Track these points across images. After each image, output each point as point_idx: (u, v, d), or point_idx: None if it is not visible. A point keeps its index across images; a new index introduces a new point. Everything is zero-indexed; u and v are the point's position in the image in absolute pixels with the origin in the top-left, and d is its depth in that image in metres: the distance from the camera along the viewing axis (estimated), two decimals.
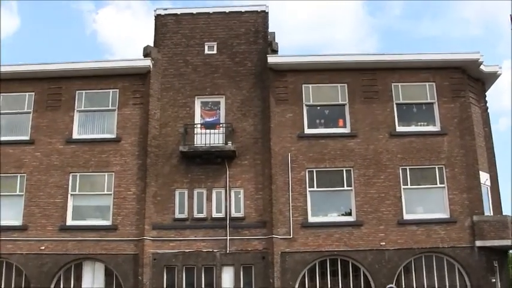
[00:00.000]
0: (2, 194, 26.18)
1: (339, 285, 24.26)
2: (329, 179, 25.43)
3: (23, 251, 25.18)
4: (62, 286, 25.01)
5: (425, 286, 24.14)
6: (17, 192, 26.12)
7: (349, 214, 25.02)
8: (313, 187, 25.19)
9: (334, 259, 24.53)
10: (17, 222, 25.67)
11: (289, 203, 24.83)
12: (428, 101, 26.26)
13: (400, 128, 25.85)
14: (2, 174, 26.31)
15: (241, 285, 24.28)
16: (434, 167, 25.37)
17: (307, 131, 25.85)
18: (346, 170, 25.32)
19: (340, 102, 26.24)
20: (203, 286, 24.38)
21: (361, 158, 25.38)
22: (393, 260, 24.09)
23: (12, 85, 27.24)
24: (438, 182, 25.24)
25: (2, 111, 27.19)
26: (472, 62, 26.30)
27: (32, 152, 26.39)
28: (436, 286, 24.14)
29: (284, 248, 24.30)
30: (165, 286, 24.43)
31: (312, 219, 24.80)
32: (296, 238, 24.49)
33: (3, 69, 27.05)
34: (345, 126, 25.99)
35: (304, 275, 24.34)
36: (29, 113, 26.98)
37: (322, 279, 24.41)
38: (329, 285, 24.27)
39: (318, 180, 25.29)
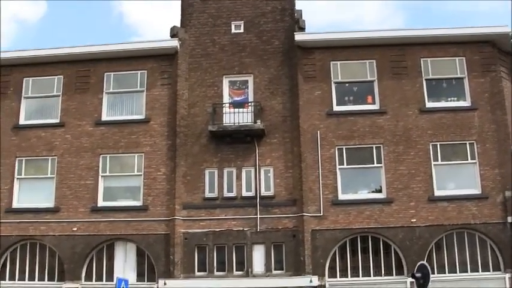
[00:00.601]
0: (34, 176, 27.24)
1: (369, 263, 24.62)
2: (359, 156, 25.77)
3: (55, 233, 26.01)
4: (94, 266, 25.80)
5: (457, 263, 24.39)
6: (49, 175, 26.96)
7: (380, 191, 25.35)
8: (342, 164, 25.53)
9: (365, 236, 24.92)
10: (49, 204, 26.51)
11: (319, 181, 25.21)
12: (458, 76, 26.38)
13: (429, 104, 26.00)
14: (33, 157, 27.29)
15: (272, 264, 24.79)
16: (465, 143, 25.54)
17: (335, 108, 26.17)
18: (375, 147, 25.61)
19: (369, 78, 26.50)
20: (234, 264, 24.96)
21: (391, 135, 25.61)
22: (424, 236, 24.35)
23: (40, 69, 28.04)
24: (469, 158, 25.40)
25: (31, 95, 28.07)
26: (502, 35, 26.29)
27: (62, 134, 27.18)
28: (468, 262, 24.38)
29: (314, 226, 24.72)
30: (196, 265, 25.09)
31: (342, 196, 25.18)
32: (326, 216, 24.88)
33: (32, 53, 27.90)
34: (374, 102, 26.26)
35: (335, 252, 24.76)
36: (58, 96, 27.72)
37: (353, 257, 24.81)
38: (360, 263, 24.67)
39: (348, 157, 25.62)
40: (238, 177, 25.79)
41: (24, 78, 28.23)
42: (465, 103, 26.16)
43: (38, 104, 28.14)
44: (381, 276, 24.51)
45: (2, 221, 26.57)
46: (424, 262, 19.59)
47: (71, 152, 26.94)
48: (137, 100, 27.38)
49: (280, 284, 24.25)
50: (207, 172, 26.00)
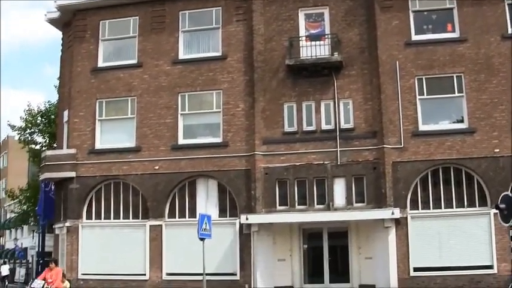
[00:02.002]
0: (114, 117, 29.11)
1: (452, 194, 25.30)
2: (439, 86, 26.14)
3: (137, 172, 27.75)
4: (177, 203, 27.49)
5: None
6: (129, 115, 28.66)
7: (461, 121, 25.77)
8: (423, 95, 25.97)
9: (447, 167, 25.50)
10: (131, 144, 28.27)
11: (399, 112, 25.79)
12: None
13: None
14: (113, 99, 29.07)
15: (353, 196, 25.79)
16: None
17: (414, 37, 26.45)
18: (456, 76, 25.89)
19: (448, 6, 26.48)
20: (315, 198, 26.09)
21: (472, 63, 25.76)
22: (508, 167, 24.63)
23: (116, 11, 29.47)
24: None
25: (108, 38, 29.66)
26: None
27: (141, 75, 28.67)
28: None
29: (395, 158, 25.45)
30: (277, 199, 26.37)
31: (422, 127, 25.74)
32: (407, 147, 25.55)
33: None
34: (453, 30, 26.36)
35: (416, 184, 25.51)
36: (135, 37, 29.12)
37: (435, 189, 25.50)
38: (442, 194, 25.37)
39: (428, 87, 26.01)
40: (317, 111, 26.64)
41: (101, 21, 29.72)
42: None
43: (115, 45, 29.73)
44: (464, 207, 25.18)
45: (85, 162, 28.56)
46: (508, 193, 19.38)
47: (150, 91, 28.45)
48: (213, 37, 28.47)
49: (362, 216, 25.30)
50: (285, 106, 27.01)
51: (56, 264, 19.56)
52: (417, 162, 25.55)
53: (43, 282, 17.53)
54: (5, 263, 55.89)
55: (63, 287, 19.11)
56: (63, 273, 21.43)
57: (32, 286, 17.82)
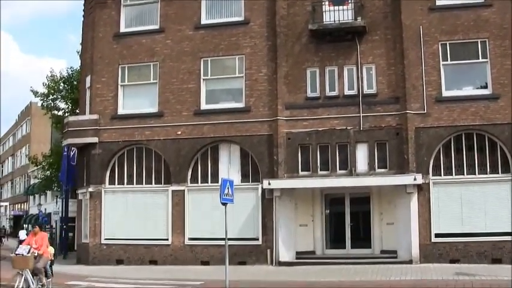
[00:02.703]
0: (137, 83, 29.18)
1: (474, 160, 25.20)
2: (463, 52, 25.83)
3: (160, 137, 27.87)
4: (199, 169, 27.64)
5: None
6: (151, 81, 28.71)
7: (485, 87, 25.52)
8: (446, 60, 25.69)
9: (470, 134, 25.34)
10: (153, 109, 28.37)
11: (422, 78, 25.57)
12: None
13: None
14: (135, 64, 29.07)
15: (376, 162, 25.79)
16: None
17: (438, 2, 26.05)
18: (481, 42, 25.53)
19: None
20: (337, 163, 26.10)
21: (497, 28, 25.38)
22: None
23: None
24: None
25: (130, 3, 29.62)
26: None
27: (163, 40, 28.61)
28: None
29: (418, 124, 25.31)
30: (299, 165, 26.42)
31: (446, 93, 25.51)
32: (430, 113, 25.38)
33: None
34: None
35: (439, 150, 25.42)
36: (157, 2, 29.03)
37: (458, 154, 25.41)
38: (464, 161, 25.26)
39: (452, 53, 25.72)
40: (340, 76, 26.54)
41: None
42: None
43: (137, 11, 29.65)
44: (486, 174, 25.09)
45: (108, 128, 28.77)
46: None
47: (172, 57, 28.40)
48: (235, 2, 28.21)
49: (384, 182, 25.34)
50: (308, 72, 26.89)
51: (41, 229, 19.09)
52: (440, 128, 25.44)
53: (28, 247, 17.23)
54: (22, 228, 61.70)
55: (48, 252, 18.74)
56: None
57: (16, 252, 17.55)
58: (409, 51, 25.89)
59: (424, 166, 25.18)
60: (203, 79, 27.98)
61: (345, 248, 26.17)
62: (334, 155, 26.25)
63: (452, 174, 25.36)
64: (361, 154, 26.10)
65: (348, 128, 26.12)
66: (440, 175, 25.42)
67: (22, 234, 49.84)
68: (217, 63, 28.19)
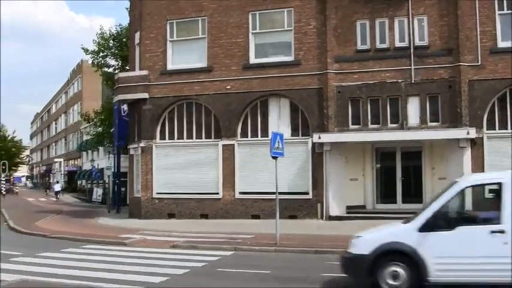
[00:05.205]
0: (185, 38, 29.17)
1: None
2: None
3: (209, 92, 28.00)
4: (249, 123, 27.77)
5: None
6: (200, 35, 28.72)
7: None
8: (502, 10, 24.92)
9: None
10: (202, 64, 28.42)
11: (476, 28, 24.94)
12: None
13: None
14: (183, 19, 29.04)
15: (427, 115, 25.41)
16: None
17: None
18: None
19: None
20: (388, 117, 25.83)
21: None
22: None
23: None
24: None
25: None
26: None
27: None
28: None
29: (472, 76, 24.79)
30: (350, 118, 26.26)
31: (501, 44, 24.76)
32: (484, 65, 24.79)
33: None
34: None
35: (493, 103, 24.94)
36: None
37: None
38: None
39: (508, 2, 24.86)
40: (391, 28, 26.06)
41: None
42: None
43: None
44: None
45: (157, 83, 28.99)
46: None
47: (220, 11, 28.29)
48: None
49: (436, 136, 25.04)
50: (358, 24, 26.50)
51: None
52: (495, 81, 24.83)
53: None
54: (57, 182, 69.75)
55: None
56: None
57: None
58: (463, 1, 25.20)
59: (477, 120, 24.75)
60: (252, 33, 27.87)
61: (395, 202, 26.06)
62: (385, 109, 25.96)
63: (507, 128, 24.84)
64: (413, 107, 25.73)
65: (399, 80, 25.72)
66: (495, 129, 25.00)
67: (57, 186, 63.41)
68: (266, 17, 27.98)
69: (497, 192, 10.69)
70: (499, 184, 10.74)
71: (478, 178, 12.82)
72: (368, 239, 11.42)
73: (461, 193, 11.20)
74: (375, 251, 10.92)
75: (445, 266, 10.47)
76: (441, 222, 10.71)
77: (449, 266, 10.46)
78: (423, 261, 10.50)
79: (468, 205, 12.38)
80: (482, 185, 12.39)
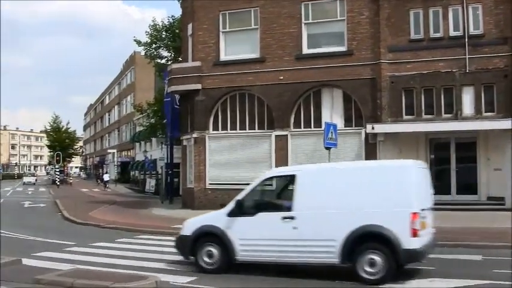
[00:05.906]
0: (238, 29, 29.40)
1: None
2: None
3: (262, 82, 28.13)
4: (302, 113, 27.85)
5: None
6: (252, 26, 28.88)
7: None
8: None
9: None
10: (255, 55, 28.63)
11: None
12: None
13: None
14: (236, 10, 29.29)
15: (482, 105, 25.24)
16: None
17: None
18: None
19: None
20: (442, 107, 25.69)
21: None
22: None
23: None
24: None
25: None
26: None
27: None
28: None
29: None
30: (403, 109, 26.16)
31: None
32: None
33: None
34: None
35: None
36: None
37: None
38: None
39: None
40: (445, 17, 25.84)
41: None
42: None
43: None
44: None
45: (210, 74, 29.28)
46: None
47: (272, 1, 28.33)
48: None
49: (491, 126, 24.74)
50: (411, 13, 26.32)
51: None
52: None
53: None
54: (107, 172, 73.24)
55: None
56: None
57: None
58: None
59: None
60: (304, 23, 27.89)
61: (450, 193, 25.77)
62: (439, 99, 25.81)
63: None
64: (467, 97, 25.57)
65: (453, 70, 25.51)
66: None
67: (106, 176, 66.14)
68: (318, 7, 27.96)
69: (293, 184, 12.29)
70: (293, 176, 12.44)
71: (280, 170, 15.15)
72: (192, 222, 13.45)
73: (264, 183, 13.13)
74: (194, 232, 12.97)
75: (248, 247, 12.33)
76: (245, 208, 12.54)
77: (250, 247, 12.33)
78: (231, 243, 12.41)
79: (274, 194, 13.86)
80: (281, 177, 13.78)
